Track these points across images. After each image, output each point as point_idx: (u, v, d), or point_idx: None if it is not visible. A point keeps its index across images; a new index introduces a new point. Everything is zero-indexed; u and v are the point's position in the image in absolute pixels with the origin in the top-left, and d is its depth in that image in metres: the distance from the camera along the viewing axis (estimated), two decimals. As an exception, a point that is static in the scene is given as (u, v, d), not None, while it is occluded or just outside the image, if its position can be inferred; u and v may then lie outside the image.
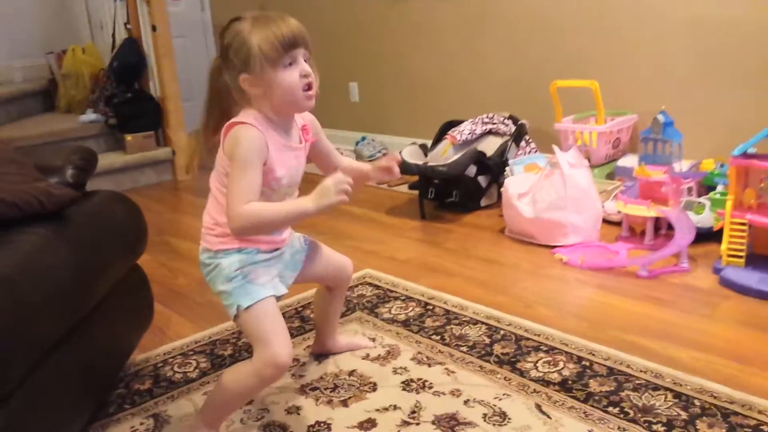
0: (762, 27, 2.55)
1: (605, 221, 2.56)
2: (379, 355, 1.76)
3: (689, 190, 2.51)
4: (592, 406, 1.47)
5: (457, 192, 2.95)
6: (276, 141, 1.36)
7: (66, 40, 4.55)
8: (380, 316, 1.99)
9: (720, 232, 2.13)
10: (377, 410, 1.51)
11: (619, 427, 1.39)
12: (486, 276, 2.27)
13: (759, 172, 2.07)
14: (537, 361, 1.66)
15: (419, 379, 1.62)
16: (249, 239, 1.40)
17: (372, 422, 1.47)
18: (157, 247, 2.71)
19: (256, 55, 1.30)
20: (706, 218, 2.31)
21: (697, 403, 1.45)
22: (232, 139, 1.32)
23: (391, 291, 2.16)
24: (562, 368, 1.62)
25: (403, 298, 2.10)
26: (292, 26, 1.32)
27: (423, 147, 3.16)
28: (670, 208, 2.29)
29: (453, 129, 3.11)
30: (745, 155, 2.06)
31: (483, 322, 1.89)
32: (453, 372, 1.65)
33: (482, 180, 2.95)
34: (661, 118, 2.62)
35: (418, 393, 1.57)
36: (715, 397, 1.46)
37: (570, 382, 1.56)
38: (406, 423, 1.46)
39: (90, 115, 4.06)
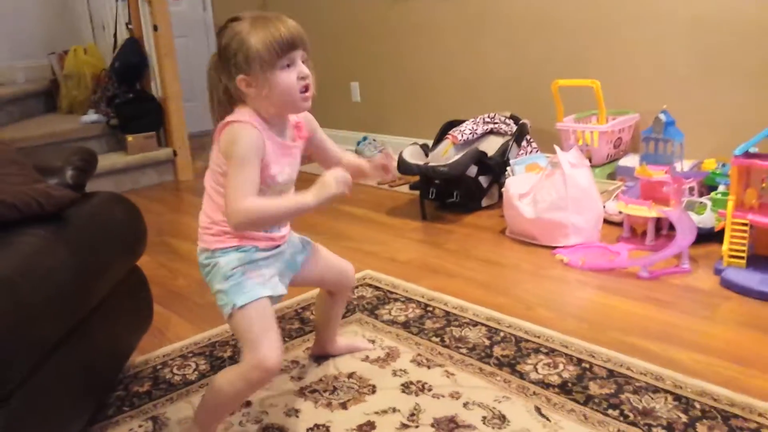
0: (764, 26, 2.54)
1: (606, 222, 2.56)
2: (379, 357, 1.75)
3: (691, 190, 2.50)
4: (592, 408, 1.46)
5: (458, 192, 2.94)
6: (271, 139, 1.36)
7: (68, 40, 4.55)
8: (380, 317, 1.99)
9: (721, 232, 2.12)
10: (376, 413, 1.51)
11: (618, 430, 1.38)
12: (486, 277, 2.26)
13: (760, 172, 2.06)
14: (537, 364, 1.66)
15: (419, 382, 1.62)
16: (246, 237, 1.40)
17: (371, 425, 1.47)
18: (157, 248, 2.71)
19: (254, 57, 1.30)
20: (707, 218, 2.30)
21: (697, 405, 1.44)
22: (229, 137, 1.32)
23: (391, 292, 2.15)
24: (562, 370, 1.62)
25: (403, 299, 2.10)
26: (290, 27, 1.32)
27: (424, 147, 3.15)
28: (671, 209, 2.28)
29: (454, 129, 3.11)
30: (746, 155, 2.05)
31: (483, 324, 1.89)
32: (452, 374, 1.64)
33: (483, 180, 2.94)
34: (662, 117, 2.62)
35: (417, 395, 1.56)
36: (715, 400, 1.45)
37: (570, 384, 1.56)
38: (405, 426, 1.46)
39: (92, 116, 4.06)
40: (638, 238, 2.43)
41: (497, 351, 1.74)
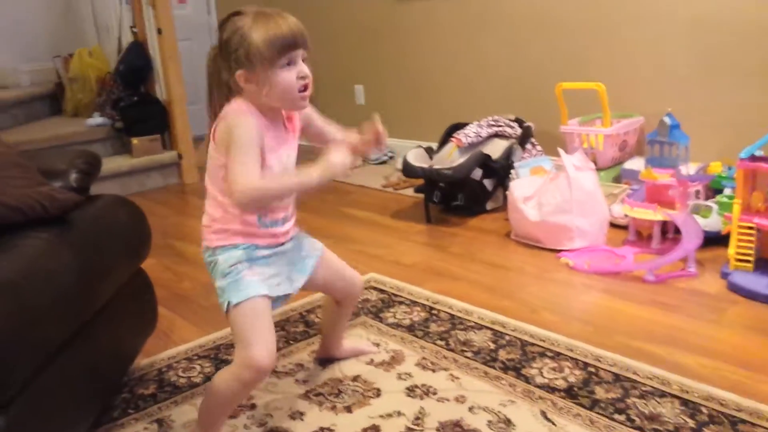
0: (770, 29, 2.54)
1: (612, 225, 2.54)
2: (384, 360, 1.75)
3: (697, 193, 2.49)
4: (598, 413, 1.45)
5: (463, 195, 2.94)
6: (268, 129, 1.36)
7: (73, 43, 4.56)
8: (385, 320, 1.98)
9: (728, 236, 2.11)
10: (381, 416, 1.50)
11: (625, 435, 1.38)
12: (491, 280, 2.26)
13: (767, 176, 2.05)
14: (542, 367, 1.65)
15: (423, 385, 1.61)
16: (246, 235, 1.39)
17: (376, 429, 1.46)
18: (163, 250, 2.71)
19: (255, 54, 1.29)
20: (713, 222, 2.29)
21: (704, 410, 1.43)
22: (227, 127, 1.32)
23: (396, 295, 2.15)
24: (568, 374, 1.61)
25: (407, 302, 2.09)
26: (292, 26, 1.32)
27: (428, 150, 3.15)
28: (677, 212, 2.27)
29: (458, 131, 3.10)
30: (752, 158, 2.04)
31: (488, 327, 1.88)
32: (457, 378, 1.64)
33: (488, 183, 2.94)
34: (667, 120, 2.61)
35: (422, 399, 1.56)
36: (722, 405, 1.44)
37: (576, 388, 1.55)
38: (410, 429, 1.45)
39: (97, 119, 4.07)
40: (644, 241, 2.42)
41: (502, 355, 1.73)
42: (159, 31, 3.92)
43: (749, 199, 2.07)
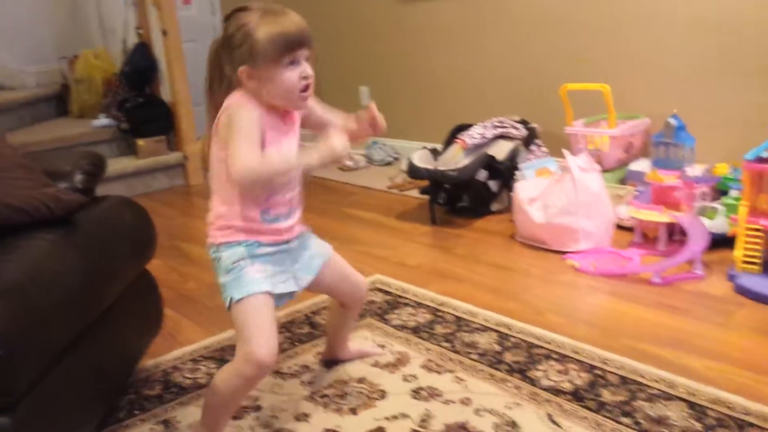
0: (777, 30, 2.52)
1: (617, 227, 2.53)
2: (389, 362, 1.75)
3: (703, 195, 2.48)
4: (605, 416, 1.45)
5: (468, 197, 2.93)
6: (268, 122, 1.36)
7: (78, 45, 4.57)
8: (390, 322, 1.98)
9: (734, 238, 2.10)
10: (386, 418, 1.50)
11: (631, 438, 1.37)
12: (496, 282, 2.25)
13: (774, 178, 2.04)
14: (548, 370, 1.65)
15: (429, 387, 1.61)
16: (250, 232, 1.39)
17: (381, 431, 1.46)
18: (168, 251, 2.72)
19: (260, 51, 1.30)
20: (720, 224, 2.28)
21: (711, 413, 1.42)
22: (229, 118, 1.32)
23: (401, 297, 2.14)
24: (574, 377, 1.60)
25: (413, 304, 2.09)
26: (299, 25, 1.32)
27: (433, 151, 3.14)
28: (683, 214, 2.26)
29: (463, 133, 3.10)
30: (759, 159, 2.03)
31: (493, 329, 1.87)
32: (463, 380, 1.63)
33: (493, 185, 2.93)
34: (673, 121, 2.60)
35: (427, 401, 1.55)
36: (730, 408, 1.44)
37: (582, 391, 1.55)
38: (415, 432, 1.45)
39: (102, 120, 4.07)
40: (650, 243, 2.41)
41: (508, 357, 1.72)
42: (164, 33, 3.93)
43: (756, 200, 2.06)
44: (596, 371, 1.62)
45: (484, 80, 3.61)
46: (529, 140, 3.04)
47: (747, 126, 2.61)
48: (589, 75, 3.02)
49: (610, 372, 1.61)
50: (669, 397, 1.49)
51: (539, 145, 3.08)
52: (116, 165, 3.76)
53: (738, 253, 2.06)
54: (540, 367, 1.66)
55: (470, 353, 1.76)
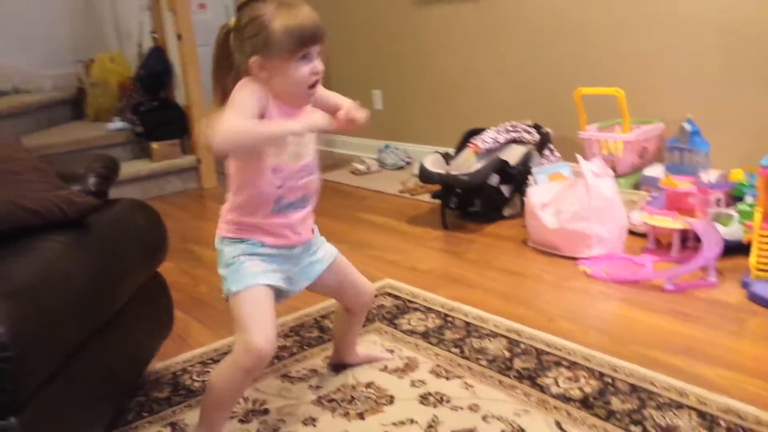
0: (794, 35, 2.50)
1: (630, 232, 2.52)
2: (397, 367, 1.74)
3: (717, 201, 2.45)
4: (614, 424, 1.43)
5: (480, 201, 2.93)
6: (276, 106, 1.36)
7: (94, 48, 4.62)
8: (399, 327, 1.97)
9: (749, 245, 2.08)
10: (394, 424, 1.50)
11: (641, 447, 1.36)
12: (508, 288, 2.24)
13: (790, 184, 2.01)
14: (558, 377, 1.63)
15: (437, 393, 1.60)
16: (254, 231, 1.40)
17: (388, 436, 1.46)
18: (180, 254, 2.73)
19: (275, 43, 1.30)
20: (734, 230, 2.25)
21: (722, 423, 1.40)
22: (231, 99, 1.32)
23: (411, 302, 2.14)
24: (584, 384, 1.59)
25: (422, 309, 2.08)
26: (314, 20, 1.33)
27: (445, 156, 3.14)
28: (697, 220, 2.24)
29: (475, 137, 3.09)
30: (775, 166, 2.01)
31: (503, 336, 1.86)
32: (471, 386, 1.62)
33: (505, 189, 2.92)
34: (687, 126, 2.58)
35: (435, 407, 1.55)
36: (741, 418, 1.42)
37: (591, 398, 1.53)
38: (422, 437, 1.44)
39: (117, 123, 4.12)
40: (663, 249, 2.39)
41: (517, 363, 1.71)
42: (179, 37, 3.96)
43: (771, 207, 2.04)
44: (606, 378, 1.61)
45: (497, 84, 3.60)
46: (542, 145, 3.02)
47: (762, 131, 2.58)
48: (603, 79, 3.01)
49: (620, 379, 1.60)
50: (680, 406, 1.47)
51: (552, 150, 3.07)
52: (131, 168, 3.79)
53: (752, 260, 2.03)
54: (549, 373, 1.65)
55: (479, 359, 1.75)
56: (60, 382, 1.27)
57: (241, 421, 1.55)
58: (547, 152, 3.04)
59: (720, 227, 2.24)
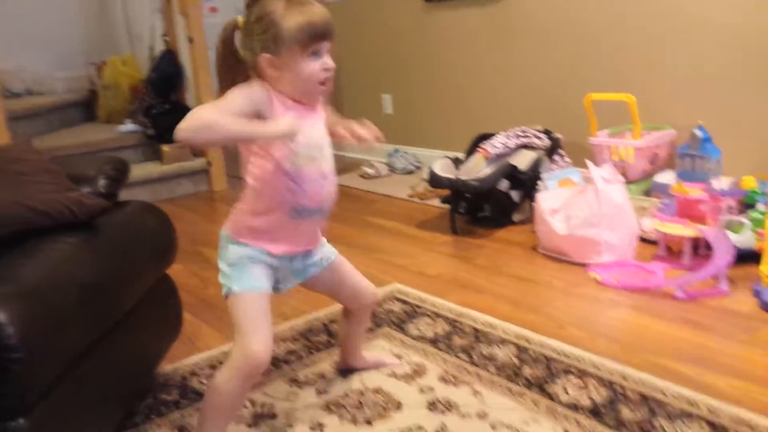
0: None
1: (641, 239, 2.50)
2: (405, 373, 1.73)
3: (729, 208, 2.43)
4: (624, 433, 1.42)
5: (489, 206, 2.91)
6: (285, 102, 1.35)
7: (106, 51, 4.66)
8: (408, 332, 1.97)
9: (761, 252, 2.06)
10: (401, 430, 1.49)
11: (651, 456, 1.34)
12: (517, 294, 2.23)
13: (803, 192, 1.99)
14: (567, 385, 1.62)
15: (445, 400, 1.59)
16: (262, 240, 1.40)
17: (396, 442, 1.45)
18: (190, 256, 2.74)
19: (285, 40, 1.29)
20: (746, 238, 2.23)
21: (734, 433, 1.39)
22: None
23: (420, 307, 2.13)
24: (593, 393, 1.58)
25: (431, 314, 2.07)
26: (324, 16, 1.33)
27: (455, 160, 3.13)
28: (708, 227, 2.22)
29: (485, 142, 3.08)
30: (788, 174, 1.99)
31: (512, 342, 1.85)
32: (480, 393, 1.62)
33: (515, 195, 2.91)
34: (698, 133, 2.56)
35: (443, 414, 1.54)
36: (752, 429, 1.40)
37: (601, 407, 1.52)
38: (430, 444, 1.44)
39: (128, 126, 4.14)
40: (674, 257, 2.37)
41: (526, 370, 1.70)
42: (190, 40, 3.98)
43: (784, 215, 2.02)
44: (615, 387, 1.59)
45: (507, 89, 3.60)
46: (552, 150, 3.01)
47: (775, 139, 2.56)
48: (614, 85, 3.00)
49: (629, 388, 1.58)
50: (689, 416, 1.46)
51: (562, 156, 3.05)
52: (141, 170, 3.81)
53: (764, 268, 2.01)
54: (558, 381, 1.64)
55: (488, 366, 1.74)
56: (68, 383, 1.28)
57: (249, 426, 1.55)
58: (557, 158, 3.02)
59: (732, 235, 2.22)
